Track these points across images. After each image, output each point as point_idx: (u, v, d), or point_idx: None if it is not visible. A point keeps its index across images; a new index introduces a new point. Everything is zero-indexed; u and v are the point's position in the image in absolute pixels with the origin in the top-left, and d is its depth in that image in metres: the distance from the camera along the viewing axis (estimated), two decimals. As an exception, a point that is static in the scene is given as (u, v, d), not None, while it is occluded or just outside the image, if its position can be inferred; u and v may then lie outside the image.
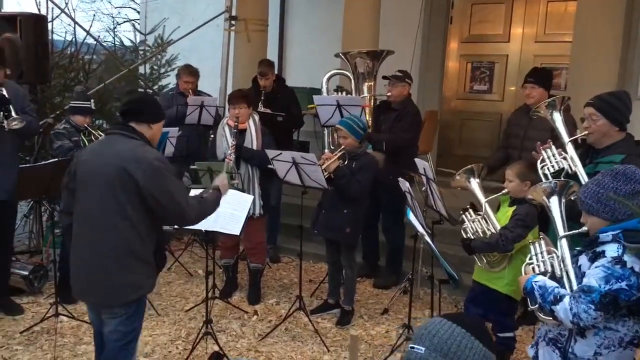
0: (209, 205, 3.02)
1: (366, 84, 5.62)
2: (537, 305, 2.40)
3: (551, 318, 2.37)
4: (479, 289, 3.59)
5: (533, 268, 2.59)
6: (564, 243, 2.53)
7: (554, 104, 3.30)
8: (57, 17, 6.27)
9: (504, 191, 3.52)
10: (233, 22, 7.00)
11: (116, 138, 2.82)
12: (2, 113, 4.03)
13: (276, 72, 7.42)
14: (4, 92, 4.06)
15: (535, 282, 2.43)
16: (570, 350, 2.41)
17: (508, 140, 4.67)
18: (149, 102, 3.04)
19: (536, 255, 2.63)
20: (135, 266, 2.78)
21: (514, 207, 3.45)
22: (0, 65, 4.08)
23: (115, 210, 2.71)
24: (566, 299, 2.28)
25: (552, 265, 2.55)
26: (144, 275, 2.84)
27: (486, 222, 3.50)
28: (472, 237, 3.49)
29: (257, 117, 4.81)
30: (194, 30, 7.13)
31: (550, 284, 2.40)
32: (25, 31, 4.99)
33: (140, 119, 2.85)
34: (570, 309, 2.25)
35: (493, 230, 3.43)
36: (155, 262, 2.89)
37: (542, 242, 2.65)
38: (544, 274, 2.52)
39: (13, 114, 4.03)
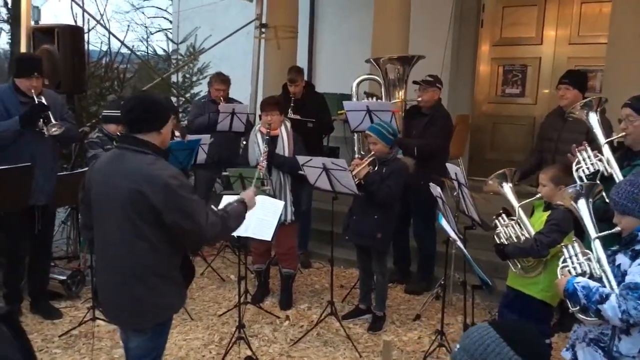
0: (232, 220, 2.77)
1: (397, 89, 5.61)
2: (578, 307, 2.39)
3: (596, 318, 2.36)
4: (514, 294, 3.53)
5: (569, 270, 2.57)
6: (597, 244, 2.53)
7: (590, 104, 3.24)
8: (92, 28, 6.45)
9: (537, 196, 3.47)
10: (263, 29, 7.08)
11: (125, 154, 2.61)
12: (42, 120, 4.16)
13: (306, 78, 7.47)
14: (43, 100, 4.20)
15: (577, 282, 2.43)
16: (614, 349, 2.40)
17: (542, 144, 4.61)
18: (151, 106, 2.67)
19: (570, 257, 2.63)
20: (162, 287, 2.65)
21: (548, 212, 3.39)
22: (39, 75, 4.21)
23: (134, 233, 2.56)
24: (613, 297, 2.29)
25: (588, 267, 2.54)
26: (173, 296, 2.73)
27: (520, 227, 3.44)
28: (506, 243, 3.44)
29: (289, 124, 4.84)
30: (225, 39, 7.23)
31: (593, 283, 2.42)
32: (63, 42, 5.12)
33: (147, 127, 2.61)
34: (619, 307, 2.26)
35: (527, 236, 3.38)
36: (182, 278, 2.77)
37: (576, 244, 2.64)
38: (581, 275, 2.51)
39: (52, 120, 4.17)
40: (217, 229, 2.64)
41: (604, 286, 2.41)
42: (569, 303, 2.47)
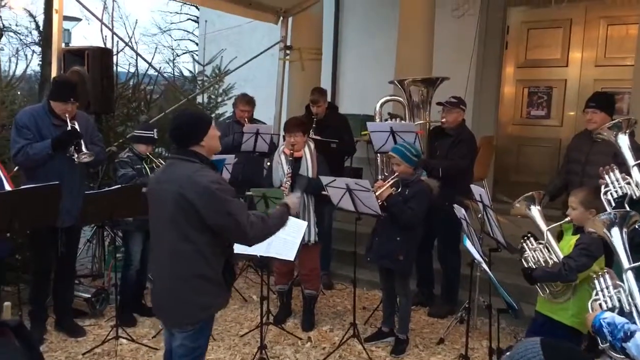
0: (274, 222, 2.99)
1: (420, 111, 5.61)
2: (607, 344, 2.30)
3: (623, 356, 2.26)
4: (542, 320, 3.46)
5: (600, 304, 2.48)
6: (630, 276, 2.42)
7: (619, 125, 3.18)
8: (121, 50, 6.56)
9: (567, 219, 3.41)
10: (288, 51, 7.17)
11: (175, 163, 2.90)
12: (73, 147, 4.23)
13: (329, 99, 7.51)
14: (77, 126, 4.26)
15: (603, 319, 2.32)
16: None
17: (568, 166, 4.55)
18: (189, 123, 2.93)
19: (602, 290, 2.53)
20: (204, 287, 2.85)
21: (577, 236, 3.33)
22: (74, 100, 4.27)
23: (179, 236, 2.79)
24: (638, 335, 2.18)
25: (619, 300, 2.44)
26: (213, 296, 2.91)
27: (548, 251, 3.39)
28: (534, 267, 3.38)
29: (312, 145, 4.86)
30: (250, 60, 7.33)
31: (619, 320, 2.29)
32: (92, 64, 5.23)
33: (188, 142, 2.87)
34: None
35: (555, 260, 3.32)
36: (224, 280, 2.94)
37: (607, 276, 2.55)
38: (612, 309, 2.41)
39: (84, 148, 4.22)
40: (257, 227, 2.85)
41: (633, 321, 2.29)
42: (599, 339, 2.38)
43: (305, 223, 4.21)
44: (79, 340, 4.48)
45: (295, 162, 4.64)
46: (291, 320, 4.97)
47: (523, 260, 3.45)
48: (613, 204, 2.95)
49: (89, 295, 4.92)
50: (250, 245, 3.05)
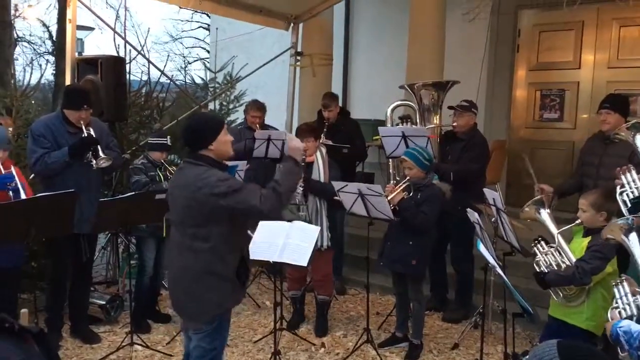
0: (285, 182, 2.94)
1: (432, 115, 5.60)
2: (626, 352, 2.28)
3: None
4: (556, 324, 3.43)
5: (619, 312, 2.46)
6: None
7: (637, 126, 3.16)
8: (134, 58, 6.61)
9: (577, 222, 3.39)
10: (299, 57, 7.20)
11: (185, 167, 3.02)
12: (90, 153, 4.28)
13: (340, 104, 7.52)
14: (92, 132, 4.31)
15: (620, 327, 2.29)
16: None
17: (582, 169, 4.52)
18: (198, 126, 3.03)
19: (620, 298, 2.50)
20: (217, 285, 2.94)
21: (588, 238, 3.30)
22: (88, 107, 4.32)
23: (193, 235, 2.92)
24: None
25: (638, 307, 2.41)
26: (227, 292, 2.99)
27: (560, 254, 3.37)
28: (546, 271, 3.36)
29: (324, 150, 4.86)
30: (261, 67, 7.36)
31: (635, 327, 2.26)
32: (106, 72, 5.28)
33: (198, 145, 2.98)
34: None
35: (568, 263, 3.30)
36: (238, 278, 3.01)
37: (625, 283, 2.52)
38: (630, 317, 2.38)
39: (101, 153, 4.27)
40: (270, 199, 2.87)
41: None
42: (619, 348, 2.35)
43: (318, 228, 4.21)
44: (94, 347, 4.51)
45: (306, 167, 4.64)
46: (304, 326, 4.97)
47: (535, 264, 3.43)
48: (629, 205, 2.93)
49: (104, 302, 4.95)
50: (268, 218, 3.19)
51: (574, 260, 3.27)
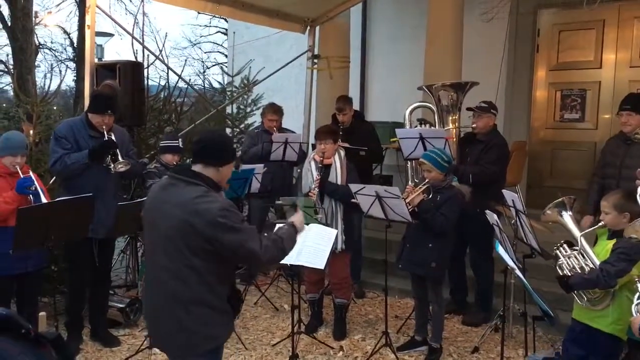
0: (286, 242, 2.82)
1: (450, 116, 5.55)
2: None
3: None
4: (580, 328, 3.36)
5: None
6: None
7: None
8: (152, 63, 6.66)
9: (600, 224, 3.33)
10: (316, 60, 7.20)
11: (178, 184, 2.67)
12: (109, 156, 4.32)
13: (358, 107, 7.50)
14: (113, 137, 4.35)
15: None
16: None
17: (604, 170, 4.44)
18: (218, 143, 2.80)
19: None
20: (209, 316, 2.66)
21: (613, 240, 3.24)
22: (111, 112, 4.37)
23: (183, 263, 2.60)
24: None
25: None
26: (219, 326, 2.73)
27: (583, 257, 3.30)
28: (569, 274, 3.30)
29: (342, 153, 4.85)
30: (278, 70, 7.37)
31: None
32: (124, 78, 5.33)
33: (208, 161, 2.70)
34: None
35: (592, 266, 3.23)
36: (231, 308, 2.78)
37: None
38: None
39: (120, 157, 4.31)
40: (271, 251, 2.71)
41: None
42: None
43: (336, 231, 4.20)
44: (113, 350, 4.53)
45: (324, 169, 4.63)
46: (322, 330, 4.95)
47: (557, 268, 3.37)
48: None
49: (123, 306, 4.98)
50: (263, 269, 2.92)
51: (597, 263, 3.21)
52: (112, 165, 4.30)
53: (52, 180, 4.80)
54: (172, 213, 2.60)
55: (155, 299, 2.75)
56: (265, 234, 2.79)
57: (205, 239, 2.55)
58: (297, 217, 3.04)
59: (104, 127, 4.33)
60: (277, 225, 3.25)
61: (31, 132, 5.24)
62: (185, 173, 2.70)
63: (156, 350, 4.39)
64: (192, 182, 2.64)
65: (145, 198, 4.40)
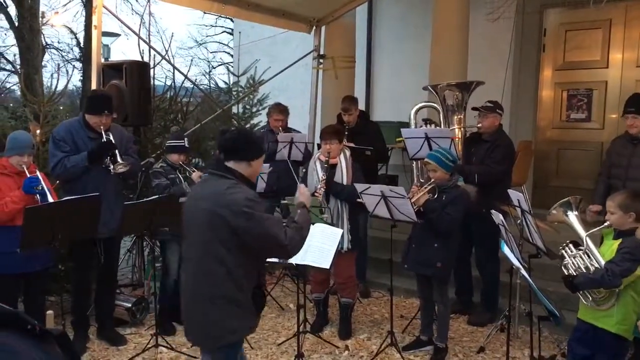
0: (305, 228, 2.95)
1: (455, 116, 5.55)
2: None
3: None
4: (585, 328, 3.36)
5: None
6: None
7: None
8: (158, 63, 6.67)
9: (605, 224, 3.32)
10: (321, 60, 7.20)
11: (211, 178, 2.87)
12: (109, 158, 4.33)
13: (364, 107, 7.49)
14: (111, 137, 4.36)
15: None
16: None
17: (610, 170, 4.43)
18: (247, 139, 2.94)
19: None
20: (232, 311, 2.78)
21: (619, 240, 3.23)
22: (109, 113, 4.38)
23: (211, 256, 2.73)
24: None
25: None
26: (240, 320, 2.83)
27: (589, 257, 3.30)
28: (575, 274, 3.29)
29: (348, 153, 4.85)
30: (283, 70, 7.38)
31: None
32: (130, 77, 5.34)
33: (238, 156, 2.84)
34: None
35: (597, 266, 3.23)
36: (254, 305, 2.86)
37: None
38: None
39: (119, 159, 4.32)
40: (296, 240, 2.83)
41: None
42: None
43: (341, 231, 4.21)
44: (120, 349, 4.55)
45: (330, 169, 4.64)
46: (328, 329, 4.96)
47: (563, 267, 3.36)
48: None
49: (130, 305, 5.00)
50: (289, 258, 3.03)
51: (603, 263, 3.20)
52: (112, 166, 4.31)
53: (57, 180, 4.83)
54: (203, 206, 2.76)
55: (187, 292, 2.90)
56: (284, 223, 2.90)
57: (232, 229, 2.68)
58: (301, 194, 3.12)
59: (102, 127, 4.33)
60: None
61: (38, 131, 5.26)
62: (218, 168, 2.86)
63: (163, 349, 4.41)
64: (224, 176, 2.80)
65: (151, 198, 4.46)
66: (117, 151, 4.33)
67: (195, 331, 2.90)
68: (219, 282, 2.74)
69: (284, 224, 2.88)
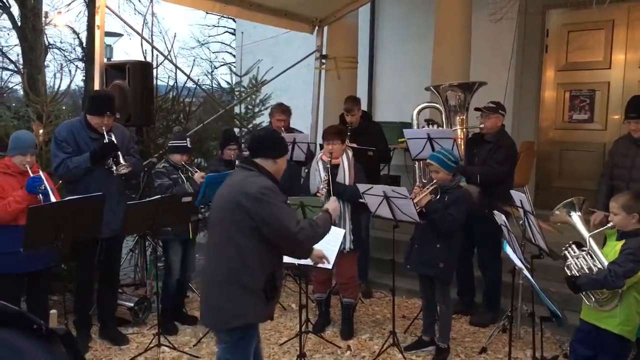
0: (321, 227, 3.08)
1: (458, 116, 5.54)
2: None
3: None
4: (588, 328, 3.36)
5: None
6: None
7: None
8: (161, 63, 6.67)
9: (609, 225, 3.33)
10: (324, 60, 7.20)
11: (237, 171, 3.13)
12: (111, 159, 4.33)
13: (366, 107, 7.48)
14: (113, 138, 4.36)
15: None
16: None
17: (613, 172, 4.42)
18: (274, 138, 3.20)
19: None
20: (241, 295, 2.91)
21: (622, 241, 3.23)
22: (110, 113, 4.38)
23: (227, 240, 2.91)
24: None
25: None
26: (249, 305, 2.93)
27: (592, 258, 3.30)
28: (578, 275, 3.29)
29: (350, 153, 4.85)
30: (286, 70, 7.39)
31: None
32: (133, 78, 5.34)
33: (265, 154, 3.05)
34: None
35: (600, 267, 3.23)
36: (264, 294, 2.95)
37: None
38: None
39: (121, 160, 4.32)
40: (307, 232, 2.96)
41: None
42: None
43: (344, 231, 4.21)
44: (122, 348, 4.56)
45: (332, 170, 4.64)
46: (330, 329, 4.96)
47: (566, 268, 3.36)
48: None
49: (132, 304, 5.01)
50: (300, 250, 3.14)
51: (606, 263, 3.20)
52: (115, 167, 4.31)
53: (60, 180, 4.84)
54: (226, 193, 2.99)
55: (204, 276, 3.12)
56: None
57: (248, 213, 2.84)
58: (331, 204, 3.32)
59: (104, 128, 4.34)
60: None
61: (41, 131, 5.27)
62: (246, 161, 3.10)
63: (165, 348, 4.42)
64: (249, 169, 3.02)
65: (153, 198, 4.46)
66: (119, 152, 4.33)
67: (208, 313, 3.06)
68: (232, 266, 2.89)
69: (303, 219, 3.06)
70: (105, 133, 4.34)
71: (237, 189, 2.92)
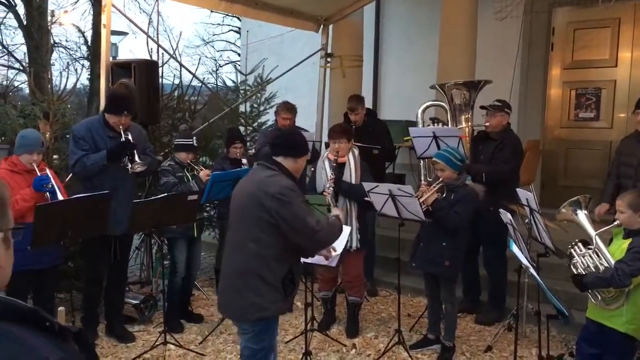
0: (337, 229, 3.21)
1: (463, 115, 5.54)
2: None
3: None
4: (594, 327, 3.35)
5: None
6: None
7: None
8: (166, 62, 6.68)
9: (615, 223, 3.31)
10: (329, 59, 7.20)
11: (258, 169, 3.19)
12: (127, 157, 4.36)
13: (371, 106, 7.47)
14: (130, 137, 4.39)
15: None
16: None
17: (620, 170, 4.41)
18: (295, 137, 3.29)
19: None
20: (261, 289, 2.99)
21: (629, 240, 3.22)
22: (127, 112, 4.42)
23: (246, 235, 3.01)
24: None
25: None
26: (268, 298, 3.01)
27: (598, 256, 3.29)
28: (584, 273, 3.29)
29: (356, 152, 4.85)
30: (291, 69, 7.39)
31: None
32: (139, 76, 5.35)
33: (287, 152, 3.12)
34: None
35: (606, 265, 3.22)
36: (282, 288, 3.03)
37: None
38: None
39: (137, 158, 4.35)
40: (325, 230, 3.07)
41: None
42: None
43: (349, 229, 4.21)
44: (128, 346, 4.58)
45: (338, 168, 4.64)
46: (335, 327, 4.97)
47: (572, 266, 3.36)
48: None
49: (138, 302, 5.03)
50: (318, 248, 3.24)
51: (612, 262, 3.19)
52: (130, 165, 4.34)
53: (67, 178, 4.86)
54: (247, 189, 3.08)
55: (223, 269, 3.23)
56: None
57: (267, 210, 2.93)
58: (339, 212, 3.49)
59: (121, 127, 4.38)
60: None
61: (47, 129, 5.29)
62: (267, 159, 3.17)
63: (171, 346, 4.43)
64: (269, 167, 3.09)
65: (159, 196, 4.47)
66: (135, 150, 4.36)
67: (228, 305, 3.16)
68: (250, 257, 2.98)
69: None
70: (122, 132, 4.37)
71: (258, 187, 3.00)
